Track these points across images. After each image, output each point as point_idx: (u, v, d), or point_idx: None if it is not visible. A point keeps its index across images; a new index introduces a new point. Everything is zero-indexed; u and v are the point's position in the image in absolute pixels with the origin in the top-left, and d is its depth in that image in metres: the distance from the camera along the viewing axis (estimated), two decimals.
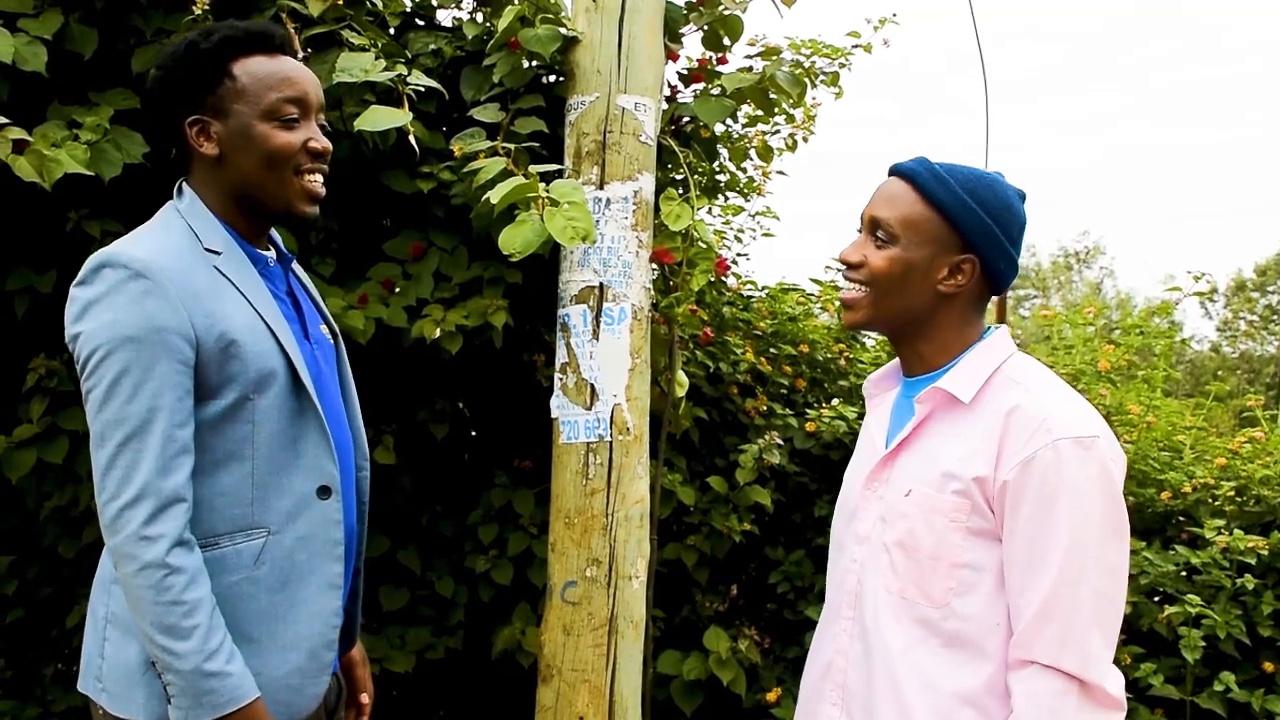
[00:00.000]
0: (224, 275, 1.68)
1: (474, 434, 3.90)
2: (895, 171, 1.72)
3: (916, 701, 1.61)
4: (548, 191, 2.68)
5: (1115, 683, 1.53)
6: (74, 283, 1.62)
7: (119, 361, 1.56)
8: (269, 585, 1.70)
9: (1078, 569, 1.52)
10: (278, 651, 1.70)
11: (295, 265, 1.92)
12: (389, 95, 2.88)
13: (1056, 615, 1.51)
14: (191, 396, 1.61)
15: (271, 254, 1.84)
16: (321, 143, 1.75)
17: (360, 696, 2.07)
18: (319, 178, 1.77)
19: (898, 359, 1.81)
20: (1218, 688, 3.58)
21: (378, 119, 2.72)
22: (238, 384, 1.65)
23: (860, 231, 1.74)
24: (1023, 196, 1.70)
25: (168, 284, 1.59)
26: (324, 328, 1.92)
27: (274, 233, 1.89)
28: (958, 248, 1.65)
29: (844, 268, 1.74)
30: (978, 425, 1.62)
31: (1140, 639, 3.74)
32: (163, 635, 1.56)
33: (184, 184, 1.77)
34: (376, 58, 2.84)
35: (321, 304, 1.97)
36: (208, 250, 1.69)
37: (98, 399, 1.58)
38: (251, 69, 1.70)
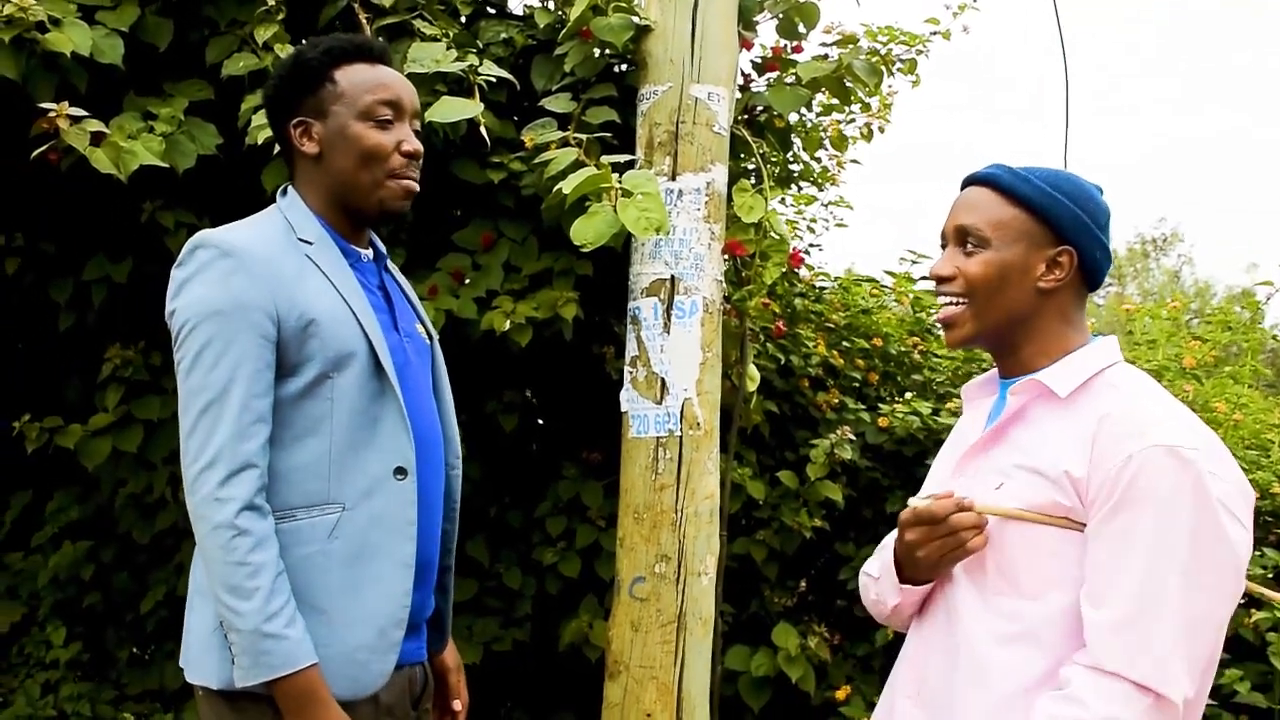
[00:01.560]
0: (312, 262, 1.77)
1: (542, 425, 3.89)
2: (971, 180, 1.69)
3: (1003, 699, 1.55)
4: (620, 182, 2.65)
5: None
6: (174, 265, 1.73)
7: (204, 333, 1.67)
8: (341, 560, 1.74)
9: (1159, 586, 1.45)
10: (347, 626, 1.74)
11: (391, 265, 2.00)
12: (460, 85, 2.86)
13: (1134, 630, 1.45)
14: (272, 370, 1.70)
15: (368, 252, 1.92)
16: (414, 145, 1.84)
17: (453, 703, 2.09)
18: (412, 176, 1.86)
19: (996, 370, 1.76)
20: None
21: (449, 110, 2.71)
22: (317, 362, 1.72)
23: (945, 247, 1.69)
24: (1100, 190, 1.67)
25: (253, 264, 1.69)
26: (419, 327, 1.99)
27: (375, 237, 1.97)
28: (1051, 241, 1.61)
29: (936, 284, 1.69)
30: (1071, 424, 1.56)
31: (1226, 644, 3.61)
32: (228, 594, 1.63)
33: (289, 186, 1.88)
34: (448, 48, 2.83)
35: (419, 306, 2.04)
36: (300, 240, 1.79)
37: (185, 368, 1.68)
38: (351, 75, 1.82)
